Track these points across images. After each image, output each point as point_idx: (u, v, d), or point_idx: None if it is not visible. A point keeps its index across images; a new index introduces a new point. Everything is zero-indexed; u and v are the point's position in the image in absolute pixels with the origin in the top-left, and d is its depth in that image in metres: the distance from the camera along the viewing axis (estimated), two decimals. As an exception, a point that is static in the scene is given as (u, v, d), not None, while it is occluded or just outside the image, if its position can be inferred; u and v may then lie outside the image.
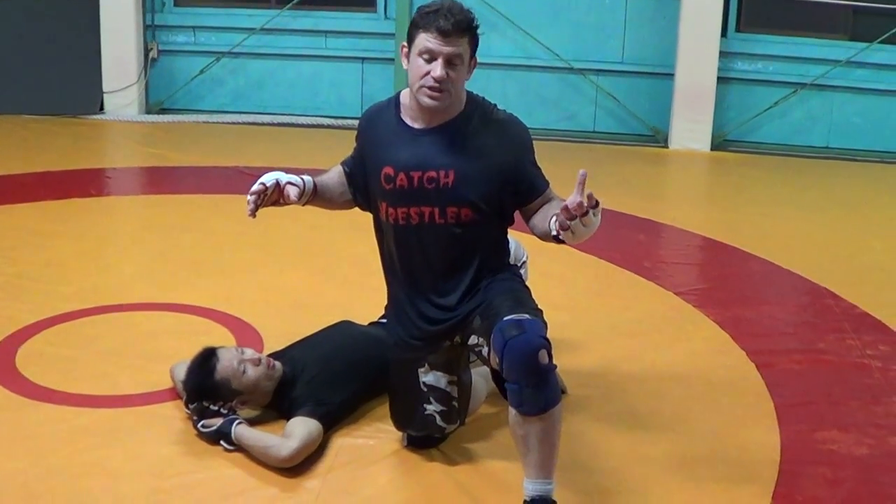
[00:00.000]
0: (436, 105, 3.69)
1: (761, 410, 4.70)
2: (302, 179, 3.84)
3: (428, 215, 3.77)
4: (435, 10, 3.63)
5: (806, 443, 4.39)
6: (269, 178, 3.76)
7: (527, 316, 3.59)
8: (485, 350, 3.68)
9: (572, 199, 3.41)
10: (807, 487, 4.01)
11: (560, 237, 3.53)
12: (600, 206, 3.43)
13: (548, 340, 3.53)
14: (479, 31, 3.72)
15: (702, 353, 5.39)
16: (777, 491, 3.96)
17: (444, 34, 3.60)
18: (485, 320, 3.70)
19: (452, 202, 3.75)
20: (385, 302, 4.17)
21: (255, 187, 3.72)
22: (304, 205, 3.91)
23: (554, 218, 3.56)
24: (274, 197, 3.77)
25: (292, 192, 3.78)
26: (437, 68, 3.61)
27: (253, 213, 3.74)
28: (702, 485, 4.02)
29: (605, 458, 4.20)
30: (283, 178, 3.79)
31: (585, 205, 3.39)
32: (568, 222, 3.43)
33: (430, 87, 3.65)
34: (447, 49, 3.61)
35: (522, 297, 3.78)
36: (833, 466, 4.17)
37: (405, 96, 3.87)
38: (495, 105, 3.90)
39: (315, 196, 3.91)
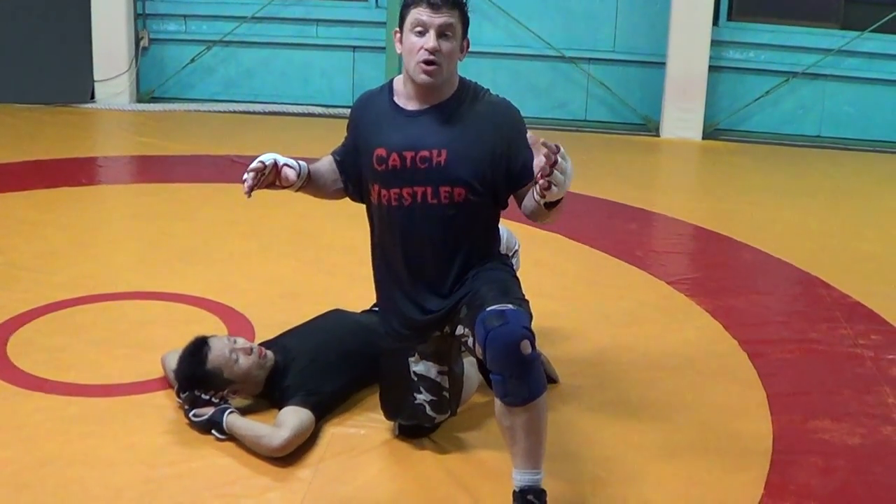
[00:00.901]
0: (430, 81, 3.70)
1: (753, 400, 4.70)
2: (298, 163, 3.83)
3: (421, 195, 3.76)
4: None
5: (798, 432, 4.39)
6: (267, 157, 3.73)
7: (510, 306, 3.57)
8: (470, 340, 3.68)
9: (537, 159, 3.40)
10: (799, 476, 4.01)
11: (546, 198, 3.47)
12: (562, 148, 3.39)
13: (531, 330, 3.51)
14: (467, 8, 3.76)
15: (694, 342, 5.38)
16: (769, 480, 3.96)
17: (434, 7, 3.65)
18: (470, 310, 3.69)
19: (446, 181, 3.75)
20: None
21: (254, 164, 3.69)
22: (297, 190, 3.89)
23: (534, 190, 3.52)
24: (270, 178, 3.74)
25: (290, 173, 3.76)
26: (430, 39, 3.64)
27: (249, 192, 3.70)
28: (694, 474, 4.02)
29: (596, 447, 4.19)
30: (281, 159, 3.77)
31: (550, 153, 3.34)
32: (546, 179, 3.39)
33: (424, 62, 3.66)
34: (438, 20, 3.65)
35: (508, 287, 3.76)
36: (825, 456, 4.17)
37: (398, 82, 3.89)
38: (488, 90, 3.91)
39: (308, 182, 3.89)
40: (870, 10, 11.36)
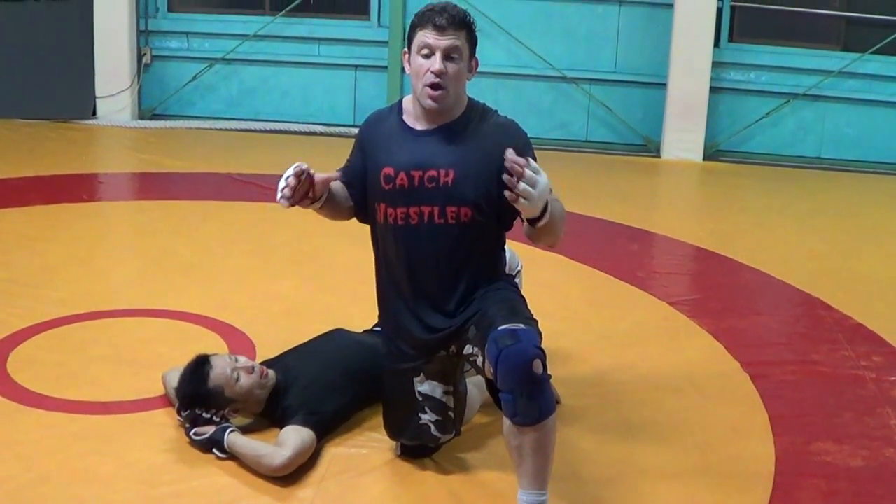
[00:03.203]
0: (437, 105, 3.72)
1: (755, 421, 4.69)
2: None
3: (427, 215, 3.77)
4: (430, 9, 3.72)
5: (800, 454, 4.38)
6: (301, 164, 3.68)
7: (521, 325, 3.58)
8: (479, 359, 3.67)
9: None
10: (801, 499, 4.00)
11: (524, 213, 3.49)
12: (534, 163, 3.41)
13: (542, 350, 3.52)
14: (475, 27, 3.77)
15: (696, 363, 5.38)
16: (772, 502, 3.95)
17: (440, 28, 3.66)
18: (479, 329, 3.69)
19: (452, 201, 3.75)
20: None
21: (292, 171, 3.61)
22: (320, 207, 3.81)
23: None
24: (305, 187, 3.68)
25: (324, 175, 3.70)
26: (436, 62, 3.66)
27: (290, 201, 3.63)
28: (696, 496, 4.01)
29: (599, 468, 4.18)
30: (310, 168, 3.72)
31: (518, 166, 3.36)
32: (514, 193, 3.39)
33: (430, 85, 3.68)
34: (444, 42, 3.67)
35: (517, 307, 3.77)
36: (827, 478, 4.16)
37: (408, 101, 3.91)
38: (496, 111, 3.92)
39: (329, 197, 3.82)
40: (871, 32, 11.38)
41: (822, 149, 11.75)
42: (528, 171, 3.37)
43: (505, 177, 3.40)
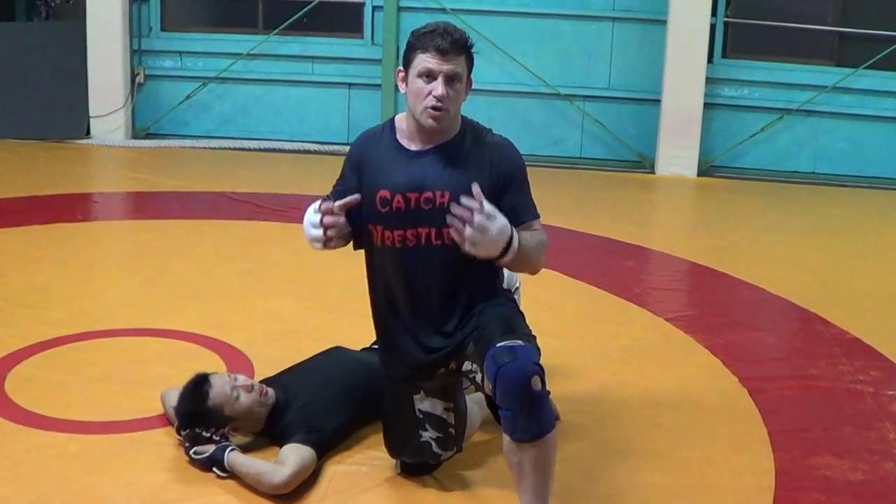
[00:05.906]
0: (437, 126, 3.71)
1: (754, 436, 4.69)
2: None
3: (425, 237, 3.76)
4: (431, 31, 3.68)
5: (800, 469, 4.38)
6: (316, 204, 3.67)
7: (520, 342, 3.57)
8: (478, 376, 3.67)
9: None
10: (802, 514, 4.00)
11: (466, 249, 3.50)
12: (488, 207, 3.41)
13: (541, 367, 3.52)
14: (473, 50, 3.76)
15: (694, 379, 5.38)
16: (773, 517, 3.95)
17: (442, 53, 3.63)
18: (478, 346, 3.68)
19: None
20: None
21: (316, 216, 3.63)
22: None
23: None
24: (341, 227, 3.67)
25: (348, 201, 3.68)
26: (439, 87, 3.64)
27: (330, 243, 3.67)
28: (697, 511, 4.01)
29: (599, 484, 4.17)
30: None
31: (469, 210, 3.39)
32: (461, 237, 3.42)
33: (432, 108, 3.66)
34: (447, 67, 3.64)
35: (515, 323, 3.76)
36: (828, 492, 4.16)
37: (400, 120, 3.88)
38: (490, 129, 3.90)
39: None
40: (864, 47, 11.43)
41: (816, 164, 11.80)
42: (477, 218, 3.39)
43: (450, 219, 3.43)
